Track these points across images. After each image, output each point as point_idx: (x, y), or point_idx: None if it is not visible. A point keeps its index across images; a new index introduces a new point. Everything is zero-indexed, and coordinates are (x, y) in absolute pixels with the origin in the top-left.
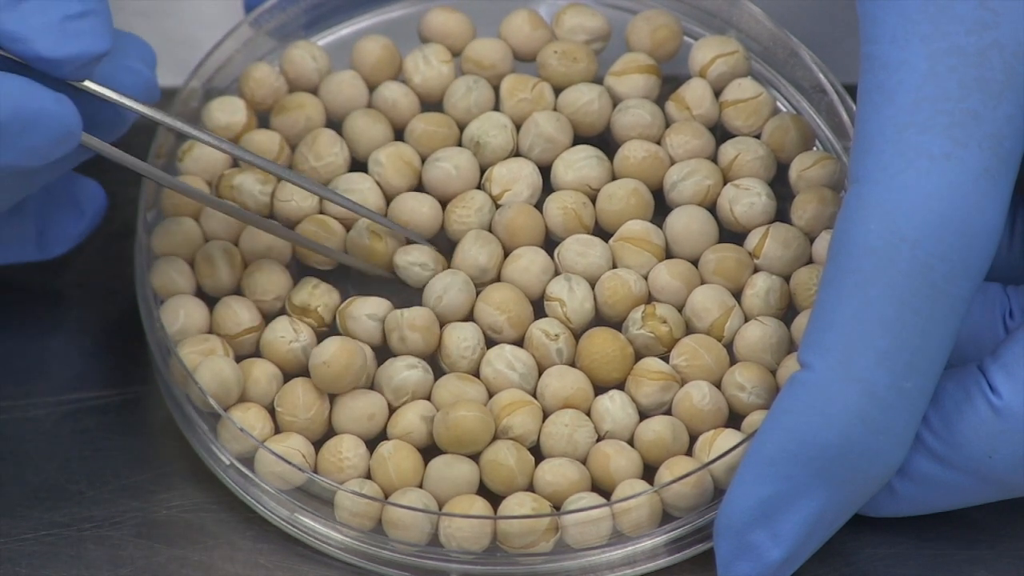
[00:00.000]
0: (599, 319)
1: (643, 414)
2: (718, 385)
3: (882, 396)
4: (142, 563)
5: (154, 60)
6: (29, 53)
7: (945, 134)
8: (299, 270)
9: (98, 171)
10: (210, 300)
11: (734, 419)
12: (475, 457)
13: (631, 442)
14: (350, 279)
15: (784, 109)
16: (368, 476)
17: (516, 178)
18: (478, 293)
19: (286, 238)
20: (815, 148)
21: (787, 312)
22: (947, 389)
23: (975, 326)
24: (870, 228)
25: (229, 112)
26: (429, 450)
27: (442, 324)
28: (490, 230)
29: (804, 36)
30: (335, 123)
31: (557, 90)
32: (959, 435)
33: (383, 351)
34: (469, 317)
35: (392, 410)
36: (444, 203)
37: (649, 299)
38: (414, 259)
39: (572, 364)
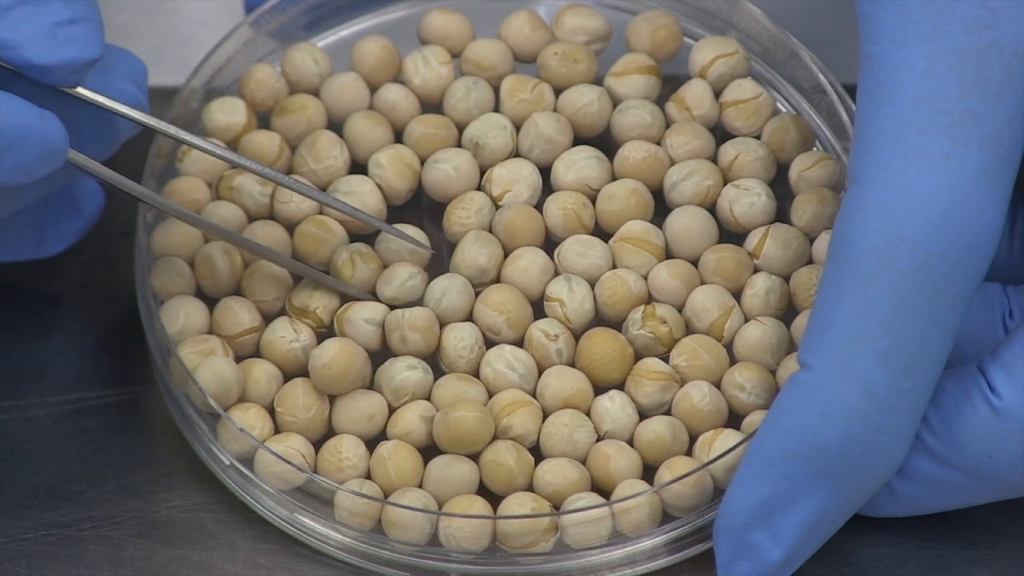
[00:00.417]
0: (599, 319)
1: (643, 414)
2: (718, 385)
3: (882, 396)
4: (142, 563)
5: (145, 77)
6: (20, 60)
7: (945, 134)
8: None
9: None
10: (210, 301)
11: (734, 419)
12: (475, 457)
13: (631, 442)
14: None
15: (784, 110)
16: (368, 476)
17: (516, 179)
18: (478, 294)
19: (275, 261)
20: (815, 148)
21: (787, 312)
22: (947, 389)
23: (975, 326)
24: (870, 228)
25: (229, 113)
26: (429, 450)
27: (442, 326)
28: (490, 231)
29: (804, 36)
30: (336, 125)
31: (557, 91)
32: (959, 435)
33: (379, 356)
34: (469, 319)
35: (392, 410)
36: (444, 204)
37: (649, 299)
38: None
39: (572, 364)
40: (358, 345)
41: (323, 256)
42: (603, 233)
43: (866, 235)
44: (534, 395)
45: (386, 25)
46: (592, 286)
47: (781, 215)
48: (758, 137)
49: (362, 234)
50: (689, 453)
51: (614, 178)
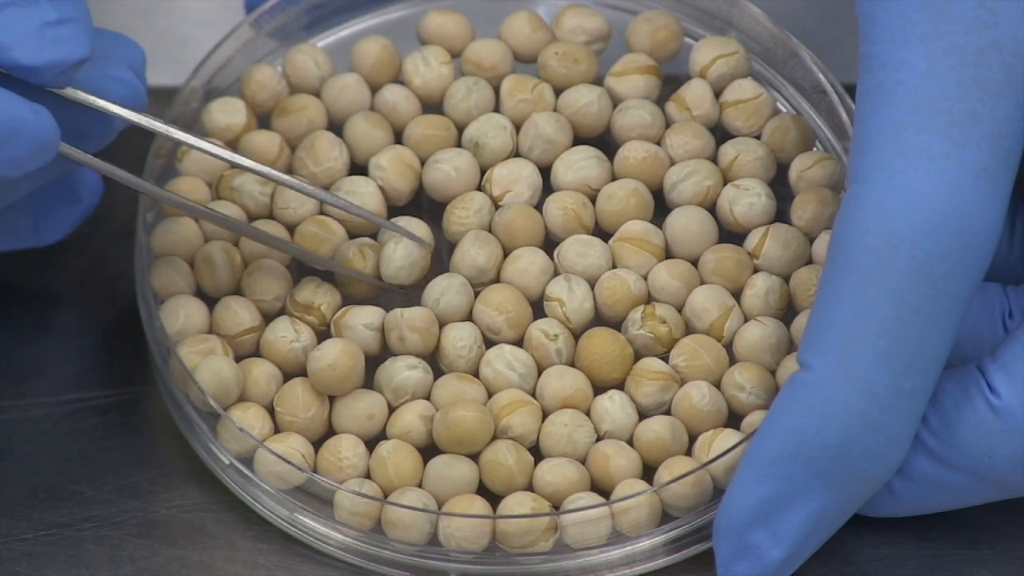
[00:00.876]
0: (599, 319)
1: (642, 414)
2: (718, 385)
3: (881, 396)
4: (142, 563)
5: (143, 62)
6: (8, 61)
7: (944, 134)
8: (299, 270)
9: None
10: (210, 300)
11: (733, 419)
12: (474, 457)
13: (630, 442)
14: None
15: (784, 110)
16: (367, 476)
17: (516, 179)
18: (477, 294)
19: (283, 249)
20: (815, 148)
21: (787, 312)
22: (946, 389)
23: (975, 326)
24: (869, 228)
25: (229, 113)
26: (429, 450)
27: (441, 326)
28: (490, 231)
29: (804, 36)
30: (337, 126)
31: (557, 91)
32: (958, 435)
33: (376, 360)
34: (468, 318)
35: (392, 410)
36: (444, 205)
37: (649, 299)
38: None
39: (572, 364)
40: (358, 346)
41: (324, 256)
42: (603, 233)
43: (865, 235)
44: (534, 395)
45: (386, 25)
46: (592, 286)
47: (781, 215)
48: (758, 137)
49: (362, 234)
50: (689, 453)
51: (614, 178)
